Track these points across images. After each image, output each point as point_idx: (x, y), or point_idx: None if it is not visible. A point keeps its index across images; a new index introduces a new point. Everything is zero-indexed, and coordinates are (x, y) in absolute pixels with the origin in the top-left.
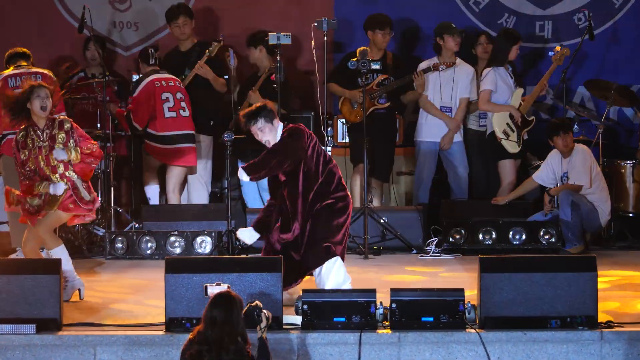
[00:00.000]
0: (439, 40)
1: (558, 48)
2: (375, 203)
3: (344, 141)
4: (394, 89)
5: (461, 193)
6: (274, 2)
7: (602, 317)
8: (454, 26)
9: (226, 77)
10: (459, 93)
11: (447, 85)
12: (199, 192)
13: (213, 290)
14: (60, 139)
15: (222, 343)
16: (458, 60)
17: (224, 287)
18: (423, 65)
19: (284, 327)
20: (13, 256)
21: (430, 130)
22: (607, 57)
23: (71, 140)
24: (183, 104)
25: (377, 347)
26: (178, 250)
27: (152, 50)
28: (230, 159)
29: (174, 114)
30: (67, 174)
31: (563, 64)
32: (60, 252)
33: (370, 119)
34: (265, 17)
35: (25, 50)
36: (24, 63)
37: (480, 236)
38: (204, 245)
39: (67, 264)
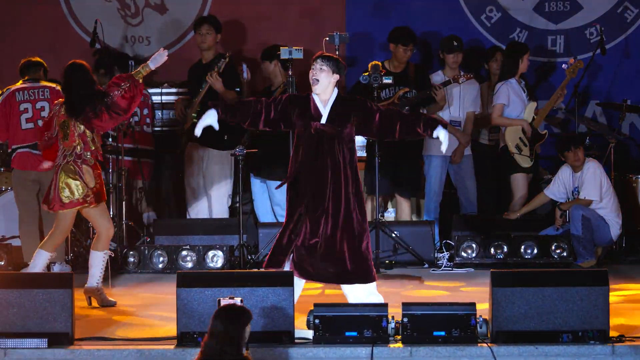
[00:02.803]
0: (442, 55)
1: (572, 60)
2: (405, 218)
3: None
4: (416, 102)
5: (471, 206)
6: (287, 16)
7: (613, 332)
8: (455, 43)
9: (237, 89)
10: (466, 107)
11: (455, 99)
12: (219, 207)
13: (226, 304)
14: None
15: (222, 355)
16: (462, 73)
17: (236, 301)
18: (434, 81)
19: (296, 341)
20: (25, 270)
21: (440, 144)
22: (619, 71)
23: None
24: None
25: None
26: (190, 265)
27: (132, 62)
28: (243, 173)
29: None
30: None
31: (576, 77)
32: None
33: None
34: (278, 32)
35: (38, 59)
36: (27, 78)
37: (492, 250)
38: (216, 259)
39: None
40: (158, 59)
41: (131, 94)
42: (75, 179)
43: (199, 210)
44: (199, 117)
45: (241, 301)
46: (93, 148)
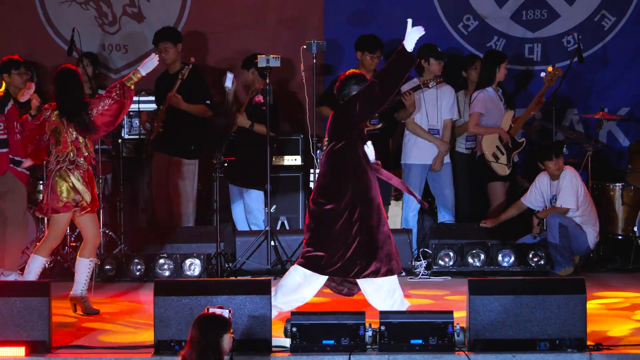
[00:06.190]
0: (424, 63)
1: (550, 69)
2: None
3: None
4: (385, 108)
5: (448, 215)
6: (265, 24)
7: (591, 340)
8: (439, 50)
9: (208, 102)
10: (443, 114)
11: (432, 106)
12: (185, 215)
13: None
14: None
15: None
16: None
17: (225, 312)
18: (405, 87)
19: (273, 349)
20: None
21: (420, 152)
22: (596, 79)
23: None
24: None
25: None
26: (167, 273)
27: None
28: (220, 181)
29: None
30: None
31: (554, 85)
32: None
33: None
34: (256, 40)
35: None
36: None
37: (469, 259)
38: (193, 267)
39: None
40: (149, 64)
41: (116, 106)
42: (68, 182)
43: (166, 218)
44: (164, 127)
45: (230, 311)
46: (86, 154)
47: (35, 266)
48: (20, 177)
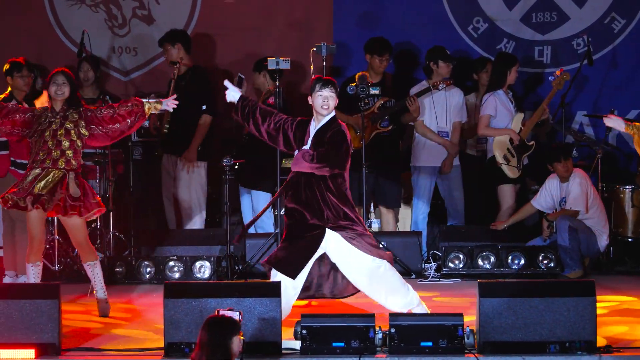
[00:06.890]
0: (432, 65)
1: (558, 72)
2: (389, 229)
3: None
4: (395, 111)
5: (458, 217)
6: (274, 27)
7: (600, 342)
8: (448, 52)
9: (204, 107)
10: (452, 117)
11: (441, 109)
12: (194, 218)
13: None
14: (72, 118)
15: None
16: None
17: (236, 314)
18: (414, 90)
19: (283, 352)
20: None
21: (429, 155)
22: (606, 82)
23: (82, 122)
24: None
25: None
26: (177, 275)
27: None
28: (230, 183)
29: None
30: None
31: (563, 89)
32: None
33: (375, 144)
34: (265, 43)
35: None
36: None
37: (479, 261)
38: (203, 270)
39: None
40: (169, 104)
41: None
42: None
43: (176, 220)
44: (170, 129)
45: (240, 314)
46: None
47: (32, 274)
48: None
